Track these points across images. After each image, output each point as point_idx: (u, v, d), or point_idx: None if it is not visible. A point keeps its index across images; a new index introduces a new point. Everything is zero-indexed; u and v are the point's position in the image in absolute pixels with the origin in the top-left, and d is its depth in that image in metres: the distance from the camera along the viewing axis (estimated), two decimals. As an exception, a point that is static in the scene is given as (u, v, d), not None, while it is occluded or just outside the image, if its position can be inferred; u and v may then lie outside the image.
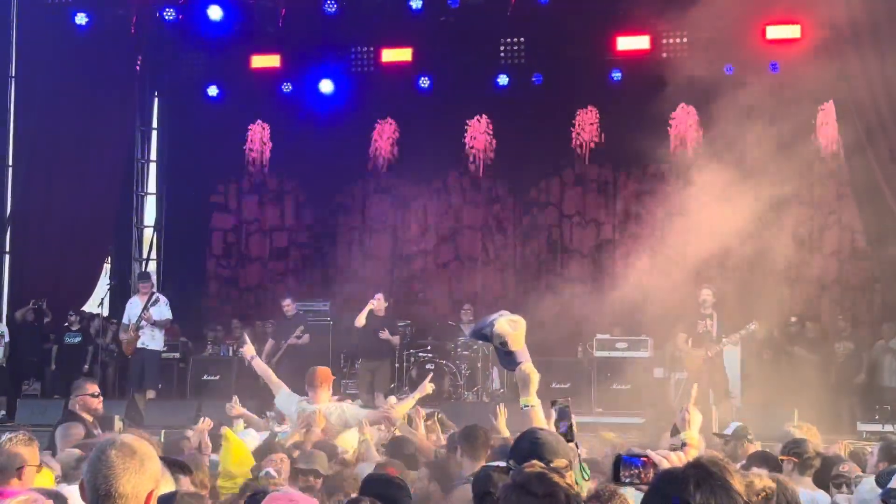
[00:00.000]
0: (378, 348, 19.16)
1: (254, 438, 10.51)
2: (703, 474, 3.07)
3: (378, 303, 19.02)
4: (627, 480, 4.02)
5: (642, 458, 4.01)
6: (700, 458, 3.26)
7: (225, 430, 9.04)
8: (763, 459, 8.17)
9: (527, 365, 6.53)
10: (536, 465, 4.32)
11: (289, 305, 20.12)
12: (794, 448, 8.40)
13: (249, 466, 8.45)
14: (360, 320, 18.80)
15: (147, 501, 3.94)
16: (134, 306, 19.33)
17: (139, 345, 18.99)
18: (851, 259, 22.04)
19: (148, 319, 18.85)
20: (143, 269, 23.93)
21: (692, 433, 6.27)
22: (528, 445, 5.28)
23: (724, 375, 17.96)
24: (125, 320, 19.46)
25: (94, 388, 10.29)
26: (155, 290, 19.94)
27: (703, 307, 17.63)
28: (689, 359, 17.59)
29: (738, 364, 19.04)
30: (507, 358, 6.88)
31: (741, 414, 15.42)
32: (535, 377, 6.33)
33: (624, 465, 3.92)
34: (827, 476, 8.23)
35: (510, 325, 6.87)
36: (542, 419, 6.15)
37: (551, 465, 4.91)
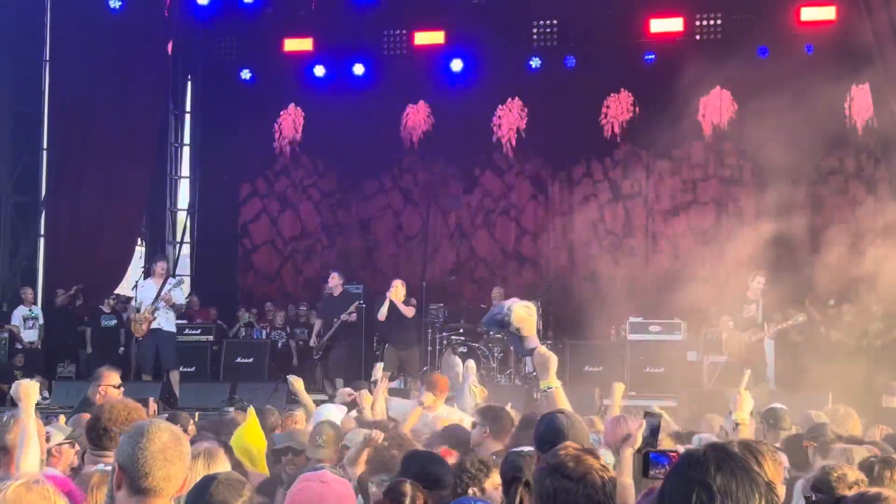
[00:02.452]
0: (406, 336, 18.96)
1: (333, 413, 10.35)
2: (723, 456, 3.06)
3: (395, 289, 18.70)
4: (655, 478, 4.05)
5: (670, 455, 4.03)
6: (720, 442, 3.25)
7: (250, 409, 9.06)
8: (796, 445, 8.14)
9: (543, 348, 6.55)
10: (570, 447, 4.31)
11: (335, 280, 19.70)
12: (813, 433, 8.42)
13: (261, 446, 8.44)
14: (382, 314, 18.63)
15: (184, 483, 3.99)
16: (147, 290, 18.84)
17: (154, 325, 18.72)
18: (886, 239, 21.87)
19: (168, 301, 18.65)
20: (164, 252, 23.95)
21: (743, 414, 6.32)
22: (544, 429, 5.31)
23: (764, 361, 17.97)
24: (135, 303, 19.22)
25: (115, 377, 9.97)
26: (170, 273, 19.77)
27: (752, 293, 17.56)
28: (730, 342, 17.62)
29: (772, 347, 18.95)
30: (521, 343, 6.92)
31: (775, 397, 15.35)
32: (554, 359, 6.35)
33: (652, 464, 3.94)
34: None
35: (526, 311, 6.90)
36: (564, 400, 6.17)
37: None
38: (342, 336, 19.41)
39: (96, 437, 5.97)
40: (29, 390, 6.00)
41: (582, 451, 4.27)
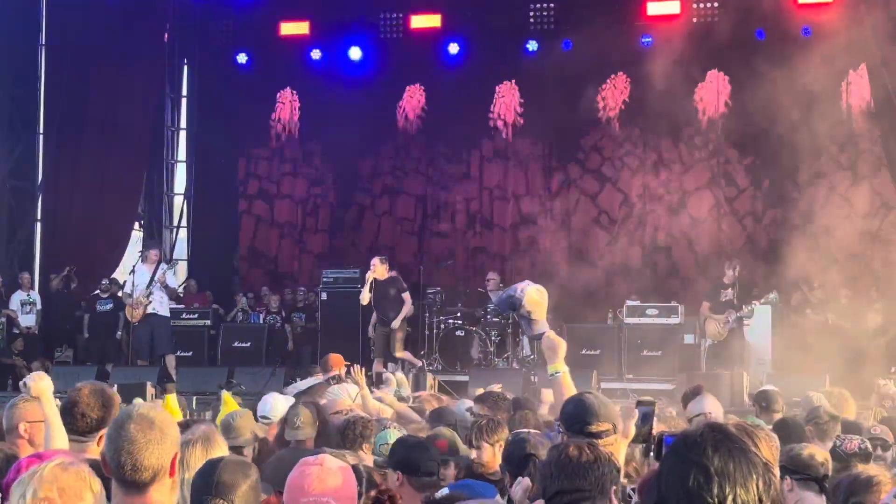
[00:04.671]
0: (388, 314, 19.05)
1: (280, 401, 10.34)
2: (720, 437, 3.06)
3: (374, 269, 18.74)
4: None
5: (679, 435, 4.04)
6: (719, 422, 3.26)
7: (224, 393, 9.04)
8: (786, 427, 8.16)
9: (552, 333, 6.55)
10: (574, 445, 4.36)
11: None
12: (812, 417, 8.45)
13: None
14: (364, 298, 18.72)
15: (172, 465, 3.99)
16: (141, 275, 18.94)
17: (150, 310, 18.71)
18: (883, 221, 21.90)
19: (162, 281, 18.62)
20: (160, 238, 23.92)
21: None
22: (573, 408, 5.32)
23: (743, 342, 18.22)
24: (128, 289, 19.26)
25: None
26: (163, 259, 19.68)
27: (728, 278, 18.09)
28: (710, 324, 18.04)
29: (768, 330, 19.00)
30: (531, 326, 6.92)
31: (772, 380, 15.39)
32: (563, 344, 6.35)
33: (666, 446, 3.95)
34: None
35: (538, 295, 6.90)
36: (570, 385, 6.17)
37: (592, 427, 4.99)
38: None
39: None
40: (40, 386, 5.98)
41: (586, 444, 4.31)
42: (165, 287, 18.73)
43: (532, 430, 5.85)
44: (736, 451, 3.01)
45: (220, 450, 5.30)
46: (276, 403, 9.81)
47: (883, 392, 13.56)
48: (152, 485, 3.96)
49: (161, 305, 18.86)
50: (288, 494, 4.24)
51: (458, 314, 20.55)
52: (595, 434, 5.06)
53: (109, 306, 21.28)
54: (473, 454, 7.10)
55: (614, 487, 4.18)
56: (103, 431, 5.78)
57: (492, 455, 7.00)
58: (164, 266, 18.96)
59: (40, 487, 3.02)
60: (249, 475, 4.32)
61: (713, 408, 7.67)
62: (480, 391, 10.02)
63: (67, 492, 3.03)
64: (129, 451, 3.91)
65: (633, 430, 5.34)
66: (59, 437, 5.75)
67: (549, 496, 4.10)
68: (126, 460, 3.91)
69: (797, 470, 5.91)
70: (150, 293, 18.55)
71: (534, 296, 6.86)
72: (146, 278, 18.76)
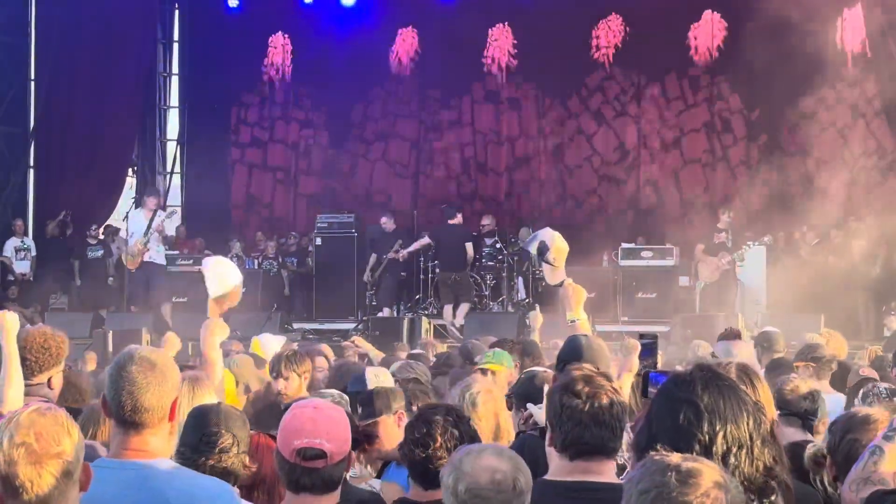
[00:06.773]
0: (457, 259, 19.27)
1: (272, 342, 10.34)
2: (710, 376, 3.10)
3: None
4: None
5: (669, 375, 4.05)
6: (707, 362, 3.28)
7: (254, 339, 9.07)
8: (778, 366, 8.18)
9: (570, 280, 6.67)
10: (585, 368, 4.36)
11: (387, 222, 20.32)
12: (811, 353, 8.47)
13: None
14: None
15: (172, 410, 4.01)
16: (136, 221, 18.72)
17: (147, 258, 18.49)
18: (877, 163, 21.84)
19: (160, 231, 18.50)
20: (154, 185, 23.85)
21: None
22: (564, 349, 5.54)
23: (736, 283, 18.35)
24: (123, 234, 19.16)
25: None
26: (160, 207, 19.52)
27: (722, 223, 18.26)
28: (703, 266, 18.13)
29: (763, 271, 19.04)
30: (553, 274, 7.04)
31: (767, 320, 15.43)
32: (583, 292, 6.46)
33: (651, 383, 3.95)
34: (845, 381, 8.29)
35: (562, 242, 7.03)
36: (588, 331, 6.28)
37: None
38: (390, 270, 20.07)
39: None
40: (7, 321, 5.85)
41: (595, 373, 4.31)
42: (164, 237, 18.64)
43: (546, 369, 5.96)
44: (726, 390, 3.03)
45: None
46: (270, 342, 9.83)
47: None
48: (151, 427, 3.97)
49: (158, 254, 18.75)
50: (281, 437, 4.24)
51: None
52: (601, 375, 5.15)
53: (100, 252, 21.27)
54: (281, 384, 7.38)
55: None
56: (49, 373, 5.83)
57: (298, 385, 7.37)
58: (161, 213, 18.77)
59: (17, 432, 3.01)
60: (246, 423, 4.43)
61: (743, 356, 7.70)
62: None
63: (45, 436, 3.02)
64: (130, 392, 3.92)
65: (636, 365, 5.39)
66: (17, 382, 5.63)
67: (568, 442, 4.09)
68: (126, 400, 3.92)
69: (779, 406, 5.95)
70: (148, 241, 18.40)
71: (558, 243, 6.99)
72: (142, 225, 18.57)
